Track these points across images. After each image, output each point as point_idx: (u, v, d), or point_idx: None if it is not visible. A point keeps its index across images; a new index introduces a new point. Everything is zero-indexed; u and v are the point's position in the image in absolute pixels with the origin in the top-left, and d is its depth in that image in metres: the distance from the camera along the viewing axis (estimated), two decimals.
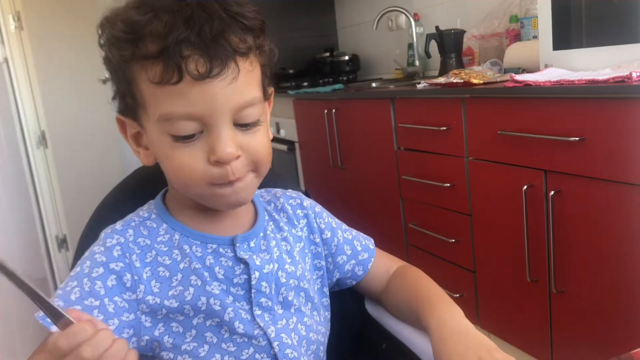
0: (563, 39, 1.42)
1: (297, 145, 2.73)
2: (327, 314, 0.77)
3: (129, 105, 0.63)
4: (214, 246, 0.67)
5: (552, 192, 1.32)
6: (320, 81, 2.93)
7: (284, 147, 2.82)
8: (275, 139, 2.96)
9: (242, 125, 0.61)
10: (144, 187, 0.74)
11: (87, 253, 0.65)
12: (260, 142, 0.63)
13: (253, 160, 0.63)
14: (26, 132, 3.14)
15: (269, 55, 0.66)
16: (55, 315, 0.50)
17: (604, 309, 1.28)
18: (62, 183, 3.25)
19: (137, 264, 0.64)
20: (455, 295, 1.76)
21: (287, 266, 0.71)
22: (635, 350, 0.52)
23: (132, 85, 0.61)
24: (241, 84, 0.59)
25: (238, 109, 0.60)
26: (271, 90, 0.69)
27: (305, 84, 2.86)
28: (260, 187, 0.76)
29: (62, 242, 3.28)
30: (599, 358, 1.31)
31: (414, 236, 1.96)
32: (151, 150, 0.65)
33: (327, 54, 3.12)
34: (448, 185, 1.69)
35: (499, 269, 1.58)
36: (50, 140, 3.21)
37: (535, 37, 1.80)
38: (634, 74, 1.11)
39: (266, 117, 0.67)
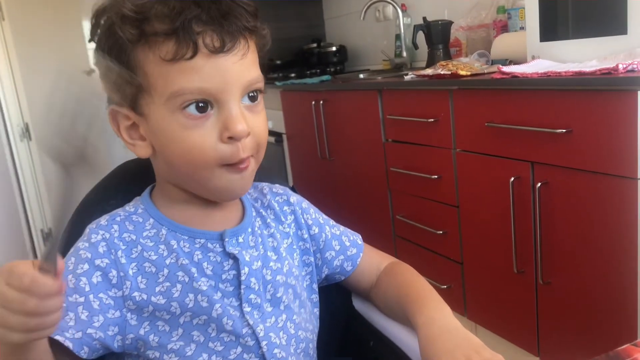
0: (550, 30, 1.42)
1: (284, 137, 2.72)
2: (316, 310, 0.76)
3: (128, 95, 0.61)
4: (202, 241, 0.66)
5: (539, 184, 1.32)
6: (308, 72, 2.91)
7: (271, 139, 2.80)
8: None
9: (249, 100, 0.63)
10: (127, 184, 0.73)
11: (72, 250, 0.64)
12: (263, 122, 0.65)
13: (257, 142, 0.64)
14: (9, 125, 3.10)
15: (263, 42, 0.67)
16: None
17: (591, 299, 1.29)
18: (47, 176, 3.21)
19: (123, 260, 0.63)
20: (442, 286, 1.77)
21: (271, 263, 0.70)
22: (623, 347, 0.52)
23: (135, 70, 0.60)
24: (249, 61, 0.62)
25: (247, 85, 0.61)
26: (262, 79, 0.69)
27: (293, 75, 2.84)
28: None
29: (47, 236, 3.25)
30: (585, 349, 1.32)
31: (402, 228, 1.96)
32: (149, 140, 0.63)
33: (315, 45, 3.10)
34: (436, 177, 1.69)
35: (487, 260, 1.59)
36: (34, 132, 3.17)
37: (522, 28, 1.80)
38: (620, 66, 1.11)
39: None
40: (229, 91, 0.60)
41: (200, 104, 0.59)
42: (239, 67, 0.60)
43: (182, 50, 0.57)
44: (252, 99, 0.63)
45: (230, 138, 0.60)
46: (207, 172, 0.62)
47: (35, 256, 3.16)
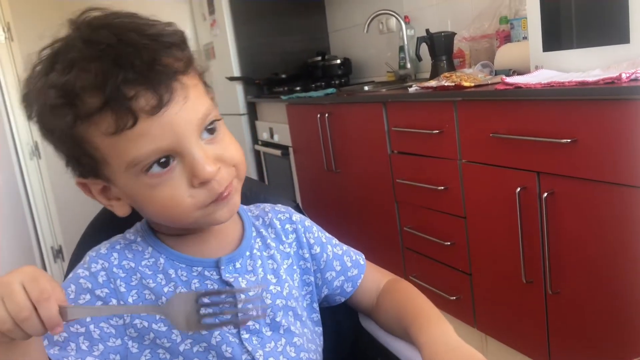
0: (553, 40, 1.42)
1: (291, 150, 2.73)
2: (319, 328, 0.76)
3: (88, 166, 0.61)
4: (199, 269, 0.66)
5: (546, 194, 1.32)
6: (313, 85, 2.93)
7: (278, 152, 2.81)
8: (269, 144, 2.96)
9: (208, 138, 0.60)
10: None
11: (71, 275, 0.64)
12: (229, 145, 0.63)
13: (233, 165, 0.62)
14: (18, 143, 3.13)
15: (201, 65, 0.65)
16: None
17: (600, 308, 1.28)
18: (56, 194, 3.24)
19: (122, 289, 0.63)
20: (451, 297, 1.76)
21: (271, 287, 0.70)
22: None
23: (85, 146, 0.58)
24: (193, 100, 0.58)
25: (199, 124, 0.59)
26: (212, 93, 0.67)
27: (298, 88, 2.85)
28: (249, 203, 0.75)
29: (58, 253, 3.27)
30: (597, 358, 1.31)
31: (410, 239, 1.96)
32: (123, 200, 0.63)
33: (319, 58, 3.12)
34: (442, 188, 1.69)
35: (495, 270, 1.58)
36: (43, 150, 3.20)
37: (525, 38, 1.80)
38: (623, 75, 1.11)
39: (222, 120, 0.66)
40: (184, 140, 0.57)
41: (161, 160, 0.57)
42: (185, 113, 0.57)
43: (122, 121, 0.54)
44: (210, 131, 0.61)
45: (202, 183, 0.59)
46: (189, 217, 0.61)
47: None
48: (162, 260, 0.66)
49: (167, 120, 0.56)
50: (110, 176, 0.61)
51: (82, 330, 0.60)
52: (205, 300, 0.58)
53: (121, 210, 0.64)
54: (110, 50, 0.54)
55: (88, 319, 0.61)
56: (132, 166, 0.57)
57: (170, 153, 0.58)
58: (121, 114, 0.54)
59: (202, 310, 0.57)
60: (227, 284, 0.66)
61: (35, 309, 0.49)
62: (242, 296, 0.66)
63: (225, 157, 0.61)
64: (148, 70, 0.55)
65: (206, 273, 0.66)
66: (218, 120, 0.62)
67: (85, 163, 0.60)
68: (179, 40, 0.60)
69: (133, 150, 0.56)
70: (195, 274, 0.66)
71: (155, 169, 0.58)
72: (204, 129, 0.60)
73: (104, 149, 0.57)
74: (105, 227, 0.73)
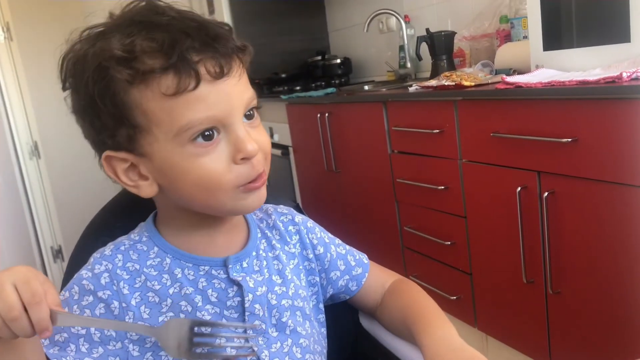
0: (553, 39, 1.42)
1: (291, 149, 2.73)
2: (324, 330, 0.76)
3: (125, 137, 0.59)
4: (207, 268, 0.66)
5: (546, 193, 1.32)
6: (313, 85, 2.92)
7: (278, 152, 2.81)
8: None
9: (247, 116, 0.63)
10: (133, 207, 0.73)
11: (75, 276, 0.64)
12: (265, 135, 0.66)
13: (264, 155, 0.64)
14: (18, 143, 3.13)
15: (249, 60, 0.66)
16: None
17: (601, 308, 1.28)
18: (56, 193, 3.24)
19: (125, 291, 0.63)
20: (452, 297, 1.76)
21: (276, 288, 0.70)
22: None
23: (132, 112, 0.58)
24: (244, 80, 0.62)
25: (248, 103, 0.62)
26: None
27: (298, 88, 2.85)
28: None
29: (57, 253, 3.27)
30: (598, 358, 1.31)
31: (410, 239, 1.96)
32: (152, 178, 0.62)
33: (319, 58, 3.12)
34: (442, 187, 1.69)
35: (495, 270, 1.58)
36: (43, 150, 3.19)
37: (525, 37, 1.80)
38: (624, 74, 1.11)
39: None
40: (234, 114, 0.60)
41: (206, 133, 0.59)
42: (239, 88, 0.61)
43: (185, 82, 0.56)
44: (249, 117, 0.63)
45: (244, 159, 0.60)
46: (224, 195, 0.61)
47: (45, 273, 3.17)
48: (168, 260, 0.66)
49: (225, 89, 0.59)
50: (148, 148, 0.59)
51: (83, 332, 0.60)
52: (202, 329, 0.59)
53: (148, 189, 0.63)
54: (176, 22, 0.58)
55: None
56: (184, 131, 0.57)
57: (219, 125, 0.59)
58: (185, 75, 0.56)
59: (196, 340, 0.58)
60: (235, 282, 0.66)
61: (26, 310, 0.49)
62: (250, 295, 0.66)
63: (260, 142, 0.63)
64: (213, 41, 0.58)
65: (213, 272, 0.66)
66: (257, 108, 0.65)
67: (122, 134, 0.59)
68: (231, 31, 0.63)
69: (188, 114, 0.57)
70: (202, 272, 0.66)
71: (201, 139, 0.59)
72: (247, 111, 0.62)
73: (156, 113, 0.57)
74: (104, 227, 0.73)
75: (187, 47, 0.56)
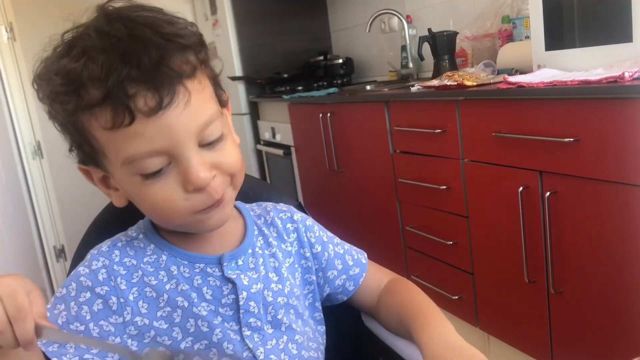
0: (555, 39, 1.42)
1: (293, 149, 2.73)
2: (321, 327, 0.76)
3: (88, 154, 0.61)
4: (202, 266, 0.66)
5: (548, 193, 1.32)
6: (315, 85, 2.93)
7: (280, 152, 2.81)
8: (271, 144, 2.96)
9: (207, 145, 0.59)
10: (133, 207, 0.73)
11: (73, 272, 0.65)
12: (230, 155, 0.62)
13: (229, 174, 0.62)
14: (21, 143, 3.14)
15: (212, 69, 0.64)
16: None
17: (603, 308, 1.28)
18: (59, 193, 3.25)
19: (123, 286, 0.63)
20: (453, 297, 1.76)
21: (272, 285, 0.70)
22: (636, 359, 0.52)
23: (85, 135, 0.58)
24: (195, 106, 0.57)
25: (199, 131, 0.58)
26: (226, 95, 0.67)
27: (300, 88, 2.85)
28: (251, 201, 0.75)
29: (60, 252, 3.28)
30: (600, 358, 1.31)
31: (412, 239, 1.96)
32: (121, 191, 0.64)
33: (321, 58, 3.12)
34: (444, 187, 1.69)
35: (497, 270, 1.58)
36: (45, 150, 3.20)
37: (527, 37, 1.80)
38: (626, 74, 1.11)
39: (228, 126, 0.65)
40: (180, 145, 0.57)
41: (155, 170, 0.57)
42: (184, 117, 0.56)
43: (119, 118, 0.54)
44: (209, 143, 0.60)
45: (197, 189, 0.58)
46: (181, 219, 0.61)
47: (48, 272, 3.18)
48: (164, 258, 0.66)
49: (164, 122, 0.55)
50: (109, 168, 0.61)
51: (82, 328, 0.61)
52: None
53: (118, 201, 0.65)
54: (120, 45, 0.54)
55: (88, 317, 0.61)
56: (128, 163, 0.57)
57: (166, 155, 0.57)
58: (119, 111, 0.54)
59: None
60: (230, 280, 0.66)
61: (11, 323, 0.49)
62: (244, 293, 0.66)
63: (222, 164, 0.60)
64: (153, 70, 0.54)
65: (208, 270, 0.66)
66: (221, 140, 0.61)
67: (86, 151, 0.61)
68: (194, 43, 0.59)
69: (129, 148, 0.56)
70: (197, 270, 0.66)
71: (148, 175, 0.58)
72: (204, 138, 0.59)
73: (102, 141, 0.58)
74: (107, 226, 0.73)
75: (123, 77, 0.53)
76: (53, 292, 3.11)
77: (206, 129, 0.59)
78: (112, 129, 0.55)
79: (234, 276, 0.66)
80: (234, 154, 0.63)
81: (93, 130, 0.57)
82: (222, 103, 0.65)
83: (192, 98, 0.57)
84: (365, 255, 0.81)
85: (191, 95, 0.57)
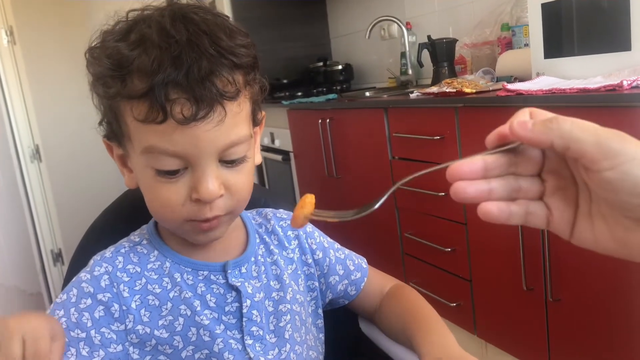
0: (554, 47, 1.42)
1: (291, 155, 2.73)
2: (322, 335, 0.76)
3: (115, 133, 0.63)
4: (205, 273, 0.66)
5: None
6: (314, 91, 2.93)
7: (278, 157, 2.81)
8: (270, 149, 2.96)
9: (227, 162, 0.60)
10: (135, 208, 0.73)
11: (74, 279, 0.64)
12: (244, 181, 0.62)
13: (236, 200, 0.62)
14: (19, 146, 3.13)
15: (260, 88, 0.64)
16: None
17: (601, 316, 1.28)
18: (57, 197, 3.24)
19: (126, 294, 0.63)
20: (452, 304, 1.75)
21: (274, 294, 0.69)
22: None
23: (118, 117, 0.60)
24: (227, 126, 0.58)
25: (223, 149, 0.59)
26: (262, 115, 0.68)
27: (299, 93, 2.86)
28: (250, 207, 0.75)
29: (57, 256, 3.27)
30: None
31: (410, 246, 1.96)
32: (135, 174, 0.64)
33: (321, 64, 3.13)
34: (443, 194, 1.69)
35: (495, 277, 1.58)
36: (44, 154, 3.20)
37: (526, 45, 1.81)
38: (624, 82, 1.12)
39: (253, 150, 0.65)
40: (201, 156, 0.58)
41: (171, 170, 0.59)
42: (213, 133, 0.57)
43: (153, 114, 0.55)
44: (230, 162, 0.61)
45: (198, 200, 0.59)
46: (174, 223, 0.62)
47: (45, 276, 3.17)
48: (167, 264, 0.66)
49: (193, 133, 0.56)
50: (130, 151, 0.62)
51: (83, 335, 0.60)
52: None
53: (130, 182, 0.66)
54: (176, 47, 0.55)
55: (89, 324, 0.61)
56: (146, 152, 0.58)
57: (184, 160, 0.58)
58: (155, 109, 0.55)
59: None
60: (234, 288, 0.66)
61: None
62: (248, 301, 0.66)
63: (233, 187, 0.61)
64: (199, 82, 0.55)
65: (212, 277, 0.66)
66: (243, 162, 0.62)
67: (115, 129, 0.62)
68: (246, 64, 0.59)
69: (154, 140, 0.57)
70: (201, 277, 0.66)
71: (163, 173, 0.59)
72: (226, 156, 0.59)
73: (131, 128, 0.59)
74: (105, 231, 0.73)
75: (169, 80, 0.54)
76: (50, 296, 3.10)
77: (231, 148, 0.59)
78: (143, 122, 0.56)
79: (238, 284, 0.66)
80: (246, 181, 0.63)
81: (126, 117, 0.59)
82: (256, 122, 0.66)
83: (226, 118, 0.57)
84: (365, 260, 0.82)
85: (227, 115, 0.57)
